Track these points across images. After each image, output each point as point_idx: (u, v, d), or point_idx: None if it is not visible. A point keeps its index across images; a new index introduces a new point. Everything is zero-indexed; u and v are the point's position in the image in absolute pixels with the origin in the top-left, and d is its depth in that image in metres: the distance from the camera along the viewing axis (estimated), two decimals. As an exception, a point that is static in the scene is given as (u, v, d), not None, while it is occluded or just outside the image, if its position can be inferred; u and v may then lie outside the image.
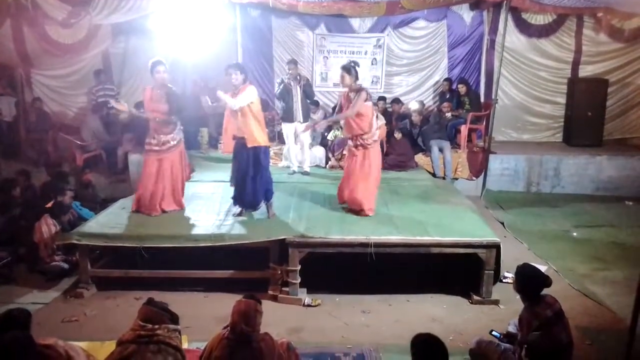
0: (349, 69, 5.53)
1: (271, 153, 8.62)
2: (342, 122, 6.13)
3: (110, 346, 3.22)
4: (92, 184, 7.61)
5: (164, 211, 5.75)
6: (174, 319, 2.99)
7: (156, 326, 2.85)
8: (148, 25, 8.00)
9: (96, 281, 5.29)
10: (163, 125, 5.59)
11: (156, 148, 5.61)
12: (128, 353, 2.80)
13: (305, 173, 7.78)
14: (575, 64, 9.75)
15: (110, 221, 5.56)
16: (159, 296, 3.30)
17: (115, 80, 9.75)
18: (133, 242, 5.14)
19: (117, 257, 5.45)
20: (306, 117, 7.66)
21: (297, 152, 7.88)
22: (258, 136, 5.44)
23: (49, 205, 5.96)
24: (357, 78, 5.61)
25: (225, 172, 7.25)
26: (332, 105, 9.41)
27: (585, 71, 9.77)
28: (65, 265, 5.56)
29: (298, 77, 7.51)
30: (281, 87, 7.51)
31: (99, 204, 6.89)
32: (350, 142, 5.81)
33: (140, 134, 8.57)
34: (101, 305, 4.98)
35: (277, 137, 8.89)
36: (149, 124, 5.67)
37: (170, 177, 5.75)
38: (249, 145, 5.41)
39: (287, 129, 7.69)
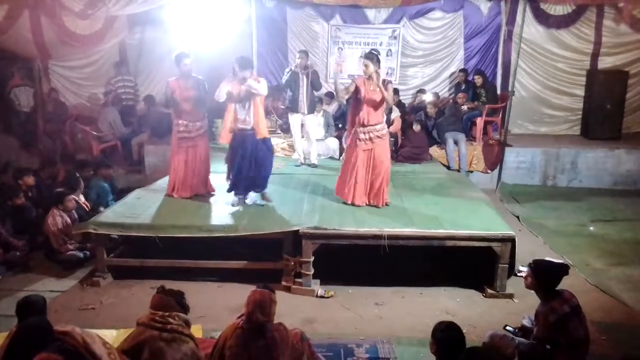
0: (373, 57, 5.52)
1: (284, 145, 8.68)
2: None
3: (125, 334, 3.28)
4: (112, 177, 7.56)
5: (197, 195, 6.06)
6: (184, 307, 3.06)
7: (166, 313, 2.93)
8: (164, 16, 8.05)
9: (112, 270, 5.36)
10: (194, 112, 5.85)
11: (187, 135, 5.88)
12: (143, 339, 2.86)
13: (313, 165, 7.71)
14: (595, 56, 9.55)
15: (126, 211, 5.62)
16: (173, 285, 3.34)
17: (132, 71, 9.83)
18: (148, 231, 5.20)
19: (133, 246, 5.51)
20: (311, 109, 7.60)
21: (304, 144, 7.84)
22: (264, 128, 5.62)
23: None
24: (379, 67, 5.62)
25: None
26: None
27: (604, 63, 9.58)
28: (81, 255, 5.62)
29: (306, 68, 7.42)
30: (288, 75, 7.43)
31: (116, 194, 6.97)
32: (362, 136, 5.60)
33: (156, 126, 8.70)
34: (117, 294, 5.05)
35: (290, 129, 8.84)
36: (178, 113, 5.85)
37: (205, 161, 6.10)
38: (259, 137, 5.53)
39: (292, 119, 7.64)
